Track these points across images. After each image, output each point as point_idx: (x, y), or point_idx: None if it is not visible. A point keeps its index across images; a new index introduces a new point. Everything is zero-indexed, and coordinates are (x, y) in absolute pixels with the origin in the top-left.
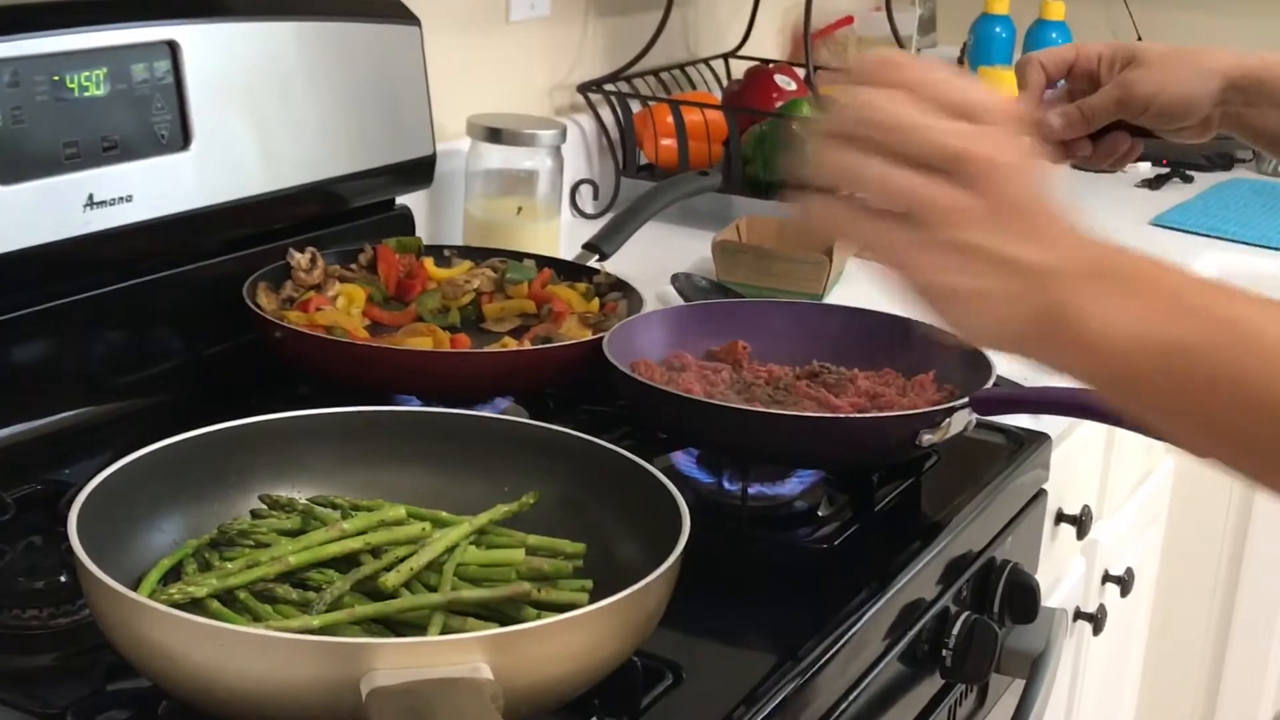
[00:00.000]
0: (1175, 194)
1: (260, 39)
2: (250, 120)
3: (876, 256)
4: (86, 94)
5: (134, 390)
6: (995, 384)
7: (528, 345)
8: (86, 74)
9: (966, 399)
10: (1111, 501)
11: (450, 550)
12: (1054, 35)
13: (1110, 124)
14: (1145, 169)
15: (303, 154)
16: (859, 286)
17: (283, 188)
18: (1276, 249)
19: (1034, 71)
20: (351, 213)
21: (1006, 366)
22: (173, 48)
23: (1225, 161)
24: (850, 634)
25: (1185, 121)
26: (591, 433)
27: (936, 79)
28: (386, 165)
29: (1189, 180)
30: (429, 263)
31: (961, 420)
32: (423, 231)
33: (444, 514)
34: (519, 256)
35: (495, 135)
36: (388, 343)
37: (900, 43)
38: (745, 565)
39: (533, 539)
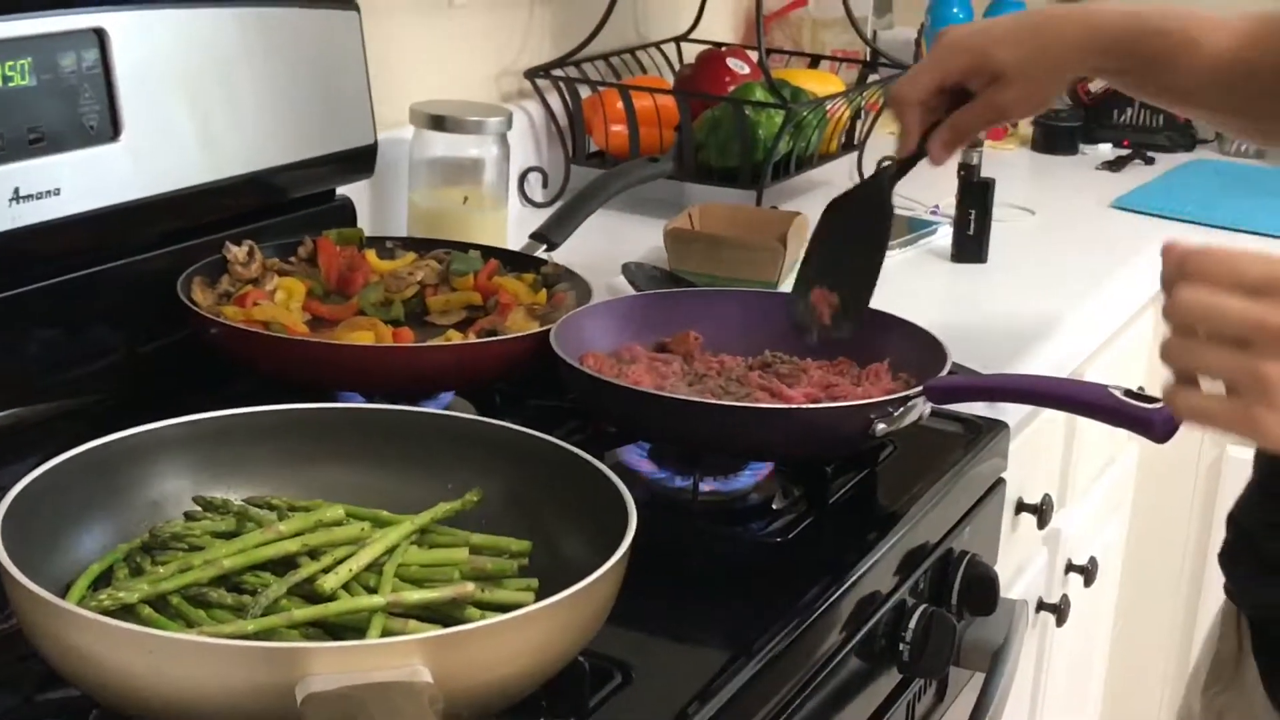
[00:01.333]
0: (1136, 176)
1: (192, 26)
2: (183, 110)
3: (1238, 430)
4: (11, 84)
5: (65, 390)
6: (951, 372)
7: (473, 339)
8: (11, 64)
9: (921, 387)
10: (1073, 490)
11: (391, 551)
12: None
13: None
14: (1105, 150)
15: (239, 144)
16: None
17: (218, 179)
18: (1240, 231)
19: (911, 114)
20: (290, 204)
21: (962, 353)
22: (101, 36)
23: (1188, 142)
24: (805, 628)
25: (1042, 109)
26: (539, 428)
27: (1236, 261)
28: (326, 155)
29: (1150, 162)
30: (371, 255)
31: (916, 409)
32: (364, 223)
33: (385, 513)
34: (464, 248)
35: (439, 123)
36: (328, 338)
37: (855, 24)
38: (697, 561)
39: (477, 538)
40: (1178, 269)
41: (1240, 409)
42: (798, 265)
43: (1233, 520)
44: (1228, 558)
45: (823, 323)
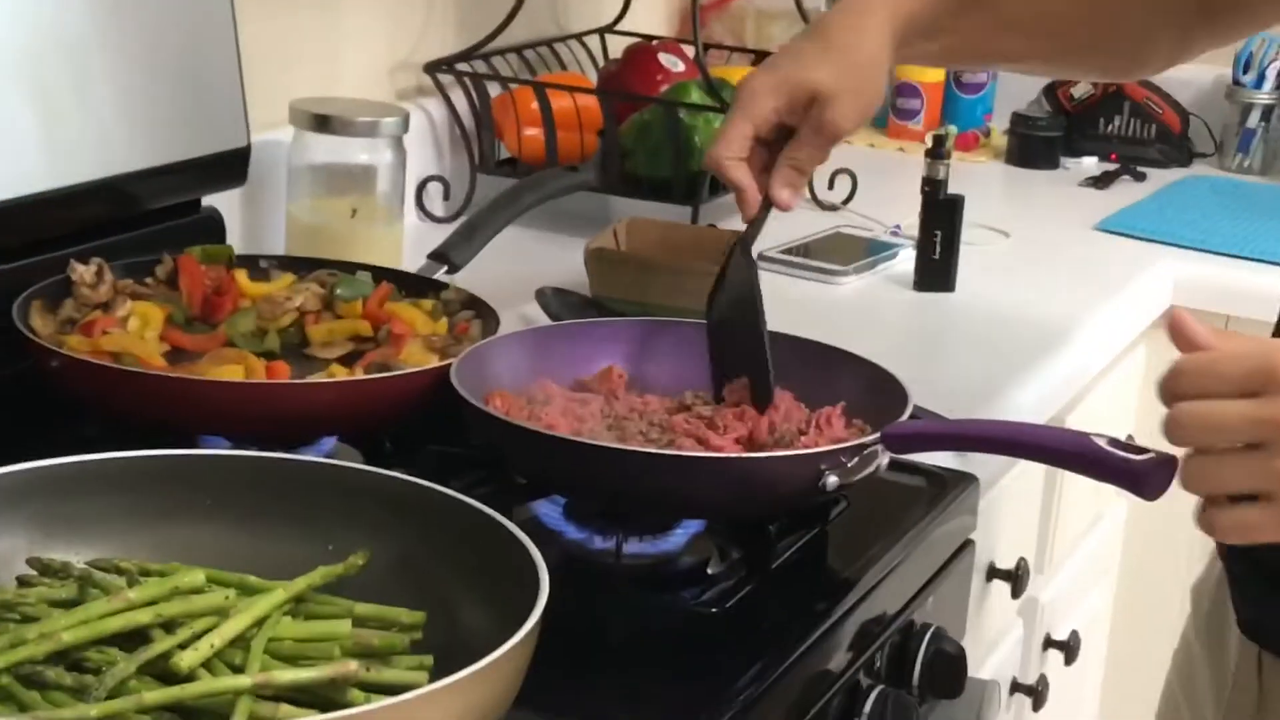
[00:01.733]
0: (1125, 194)
1: (35, 7)
2: (22, 104)
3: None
4: None
5: None
6: (913, 416)
7: (360, 375)
8: None
9: (878, 435)
10: (1053, 554)
11: (260, 623)
12: None
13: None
14: (1090, 165)
15: (88, 145)
16: None
17: (63, 185)
18: (1240, 257)
19: (738, 172)
20: (147, 216)
21: (925, 395)
22: None
23: (1182, 157)
24: (744, 712)
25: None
26: (437, 479)
27: (1215, 365)
28: (190, 159)
29: (1141, 178)
30: (242, 276)
31: (873, 460)
32: (235, 238)
33: (253, 579)
34: (352, 269)
35: (324, 123)
36: (190, 372)
37: (804, 16)
38: (621, 633)
39: (362, 608)
40: (1168, 393)
41: (1276, 512)
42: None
43: (1228, 551)
44: (1235, 590)
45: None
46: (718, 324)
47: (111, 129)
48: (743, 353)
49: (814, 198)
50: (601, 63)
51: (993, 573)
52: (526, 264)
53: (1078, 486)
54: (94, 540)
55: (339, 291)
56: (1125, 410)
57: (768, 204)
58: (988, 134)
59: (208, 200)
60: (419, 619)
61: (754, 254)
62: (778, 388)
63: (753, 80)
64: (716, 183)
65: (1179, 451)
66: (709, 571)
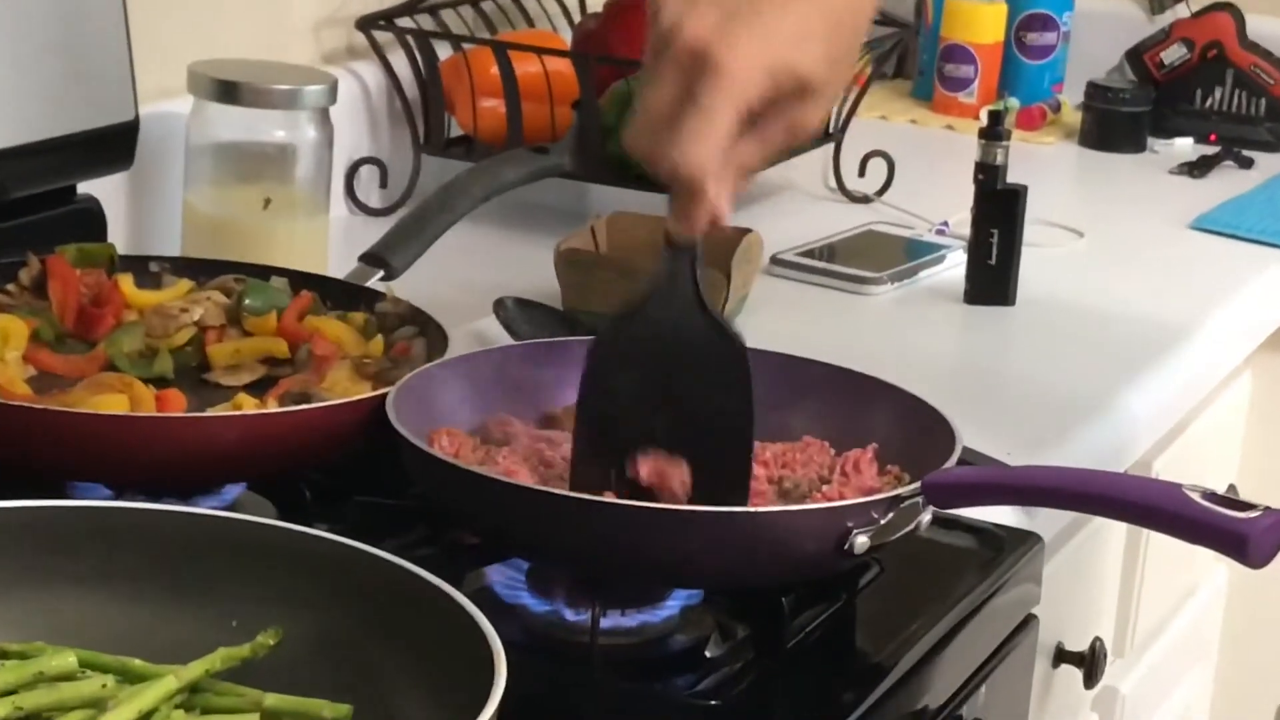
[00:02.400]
0: (1226, 184)
1: None
2: None
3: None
4: None
5: None
6: (961, 461)
7: (274, 407)
8: None
9: (919, 484)
10: (1136, 633)
11: (147, 717)
12: None
13: None
14: (1184, 148)
15: None
16: (771, 318)
17: None
18: None
19: (719, 183)
20: (9, 207)
21: (978, 435)
22: None
23: None
24: None
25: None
26: (368, 538)
27: None
28: (63, 136)
29: (1247, 164)
30: (126, 282)
31: (911, 515)
32: (118, 235)
33: (137, 663)
34: (264, 273)
35: (230, 92)
36: (60, 403)
37: None
38: None
39: (273, 699)
40: None
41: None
42: (745, 305)
43: None
44: None
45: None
46: (629, 372)
47: None
48: (689, 423)
49: (840, 186)
50: (577, 18)
51: (1061, 656)
52: (483, 269)
53: (1167, 550)
54: None
55: (248, 302)
56: (1226, 456)
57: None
58: (1057, 109)
59: (84, 187)
60: (345, 712)
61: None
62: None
63: (740, 53)
64: None
65: None
66: (707, 654)
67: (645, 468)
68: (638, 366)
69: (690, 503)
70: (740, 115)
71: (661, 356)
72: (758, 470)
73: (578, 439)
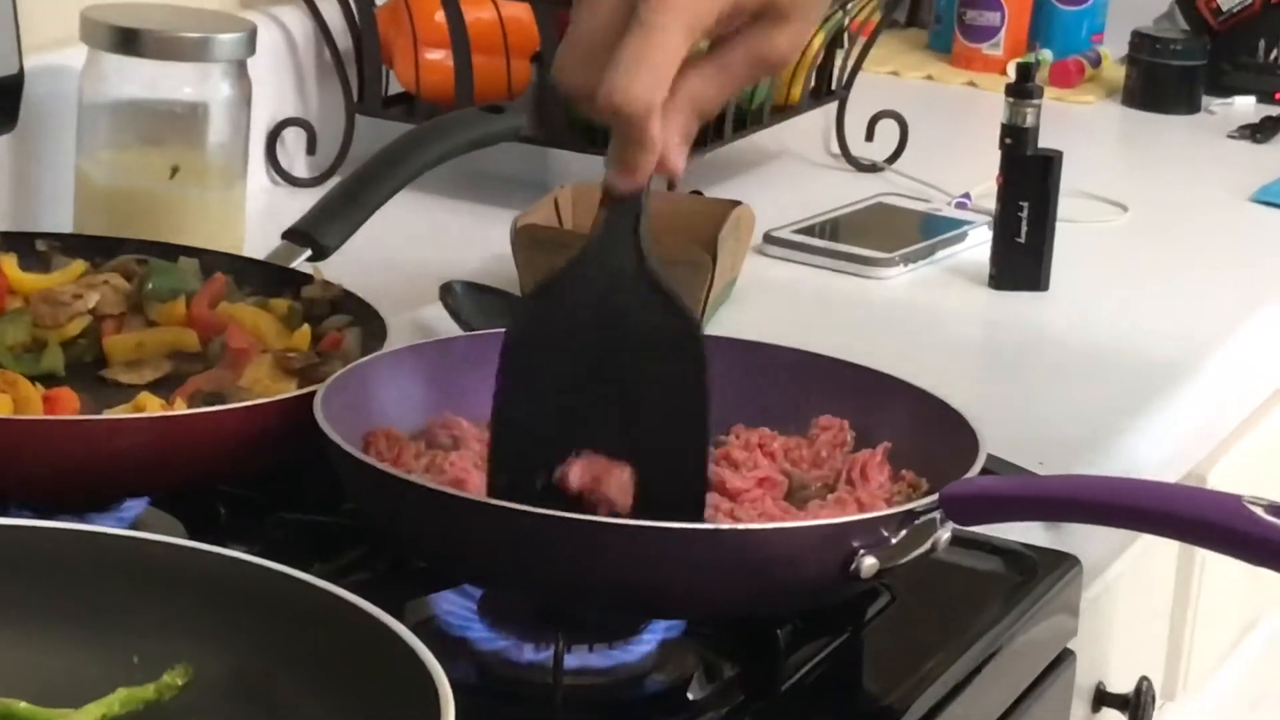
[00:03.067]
0: None
1: None
2: None
3: None
4: None
5: None
6: (985, 469)
7: (182, 408)
8: None
9: (937, 496)
10: (1190, 671)
11: None
12: None
13: None
14: (1244, 107)
15: None
16: (764, 305)
17: None
18: None
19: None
20: None
21: (1005, 440)
22: None
23: None
24: None
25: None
26: (293, 561)
27: None
28: None
29: None
30: (9, 264)
31: (927, 533)
32: None
33: (22, 706)
34: (171, 253)
35: (130, 42)
36: None
37: None
38: None
39: None
40: None
41: None
42: (733, 291)
43: None
44: None
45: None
46: (551, 358)
47: None
48: (630, 420)
49: (845, 152)
50: None
51: (1102, 699)
52: (427, 248)
53: (1226, 574)
54: None
55: (151, 287)
56: None
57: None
58: (1097, 62)
59: None
60: None
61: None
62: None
63: None
64: (705, 130)
65: None
66: (689, 697)
67: (576, 472)
68: (566, 351)
69: (636, 515)
70: (692, 37)
71: (596, 338)
72: (762, 461)
73: (493, 444)
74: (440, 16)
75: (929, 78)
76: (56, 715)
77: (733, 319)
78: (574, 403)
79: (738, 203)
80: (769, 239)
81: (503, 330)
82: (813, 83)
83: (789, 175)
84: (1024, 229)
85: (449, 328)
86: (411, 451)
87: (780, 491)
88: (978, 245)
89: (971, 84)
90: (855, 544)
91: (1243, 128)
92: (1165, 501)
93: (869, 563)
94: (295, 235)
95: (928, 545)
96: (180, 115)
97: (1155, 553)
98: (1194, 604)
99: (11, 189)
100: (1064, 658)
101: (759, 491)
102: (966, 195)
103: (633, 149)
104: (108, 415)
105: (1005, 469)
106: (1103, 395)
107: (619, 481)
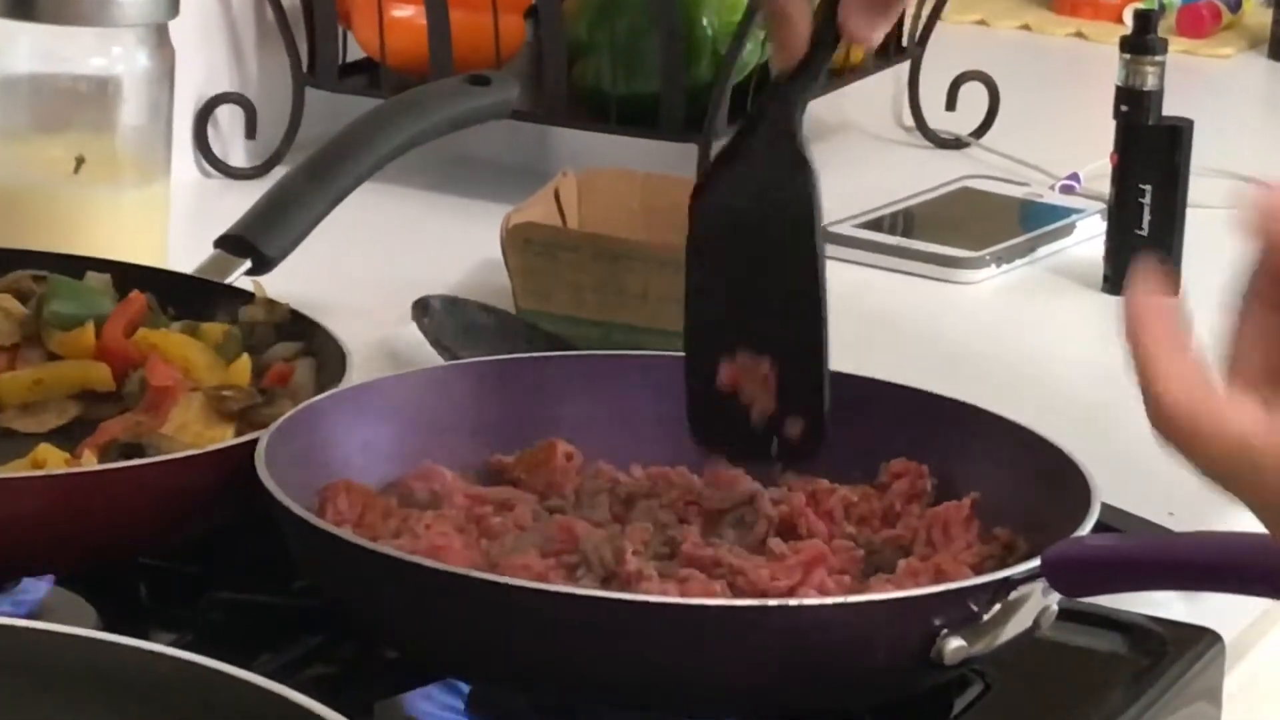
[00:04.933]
0: None
1: None
2: None
3: None
4: None
5: None
6: (1100, 526)
7: (93, 462)
8: None
9: (1037, 560)
10: None
11: None
12: None
13: None
14: None
15: None
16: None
17: None
18: None
19: (796, 31)
20: None
21: (1124, 488)
22: None
23: None
24: None
25: None
26: (232, 655)
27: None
28: None
29: None
30: None
31: (1030, 606)
32: None
33: None
34: (78, 267)
35: (22, 4)
36: None
37: None
38: None
39: None
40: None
41: None
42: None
43: None
44: None
45: (762, 420)
46: (715, 240)
47: None
48: (769, 312)
49: (920, 125)
50: None
51: None
52: (398, 255)
53: None
54: None
55: (52, 309)
56: None
57: (828, 42)
58: (1237, 6)
59: None
60: None
61: (804, 134)
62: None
63: None
64: (739, 100)
65: None
66: None
67: (725, 372)
68: (722, 234)
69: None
70: None
71: (741, 219)
72: (818, 526)
73: (687, 342)
74: None
75: (1025, 28)
76: None
77: None
78: (731, 293)
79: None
80: (826, 236)
81: (493, 359)
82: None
83: (850, 155)
84: (1146, 218)
85: (426, 355)
86: (379, 510)
87: (843, 564)
88: (1089, 239)
89: (1079, 34)
90: (937, 622)
91: None
92: None
93: (954, 645)
94: (231, 242)
95: (1028, 622)
96: (85, 93)
97: None
98: None
99: None
100: None
101: (792, 585)
102: (1074, 176)
103: (769, 20)
104: (2, 474)
105: (1126, 524)
106: None
107: (760, 374)
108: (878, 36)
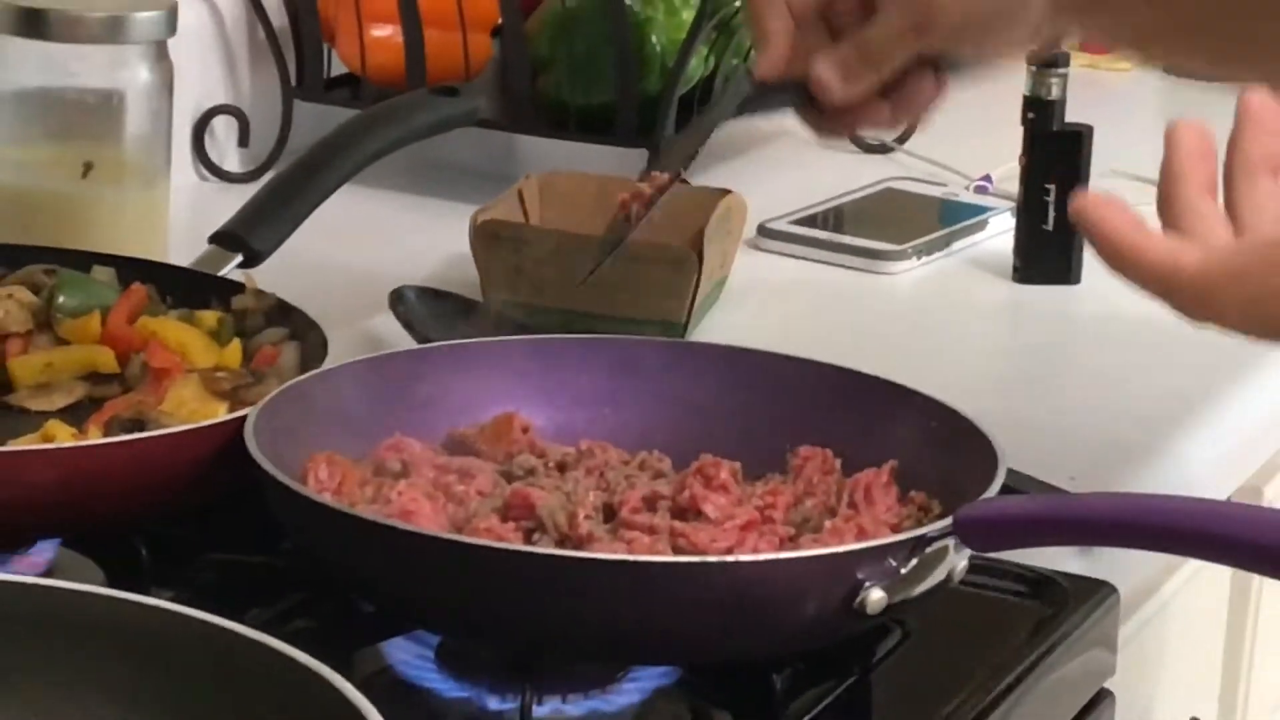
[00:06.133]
0: None
1: None
2: None
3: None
4: None
5: None
6: (1007, 488)
7: (97, 437)
8: None
9: (951, 520)
10: (1249, 711)
11: None
12: None
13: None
14: None
15: None
16: (758, 306)
17: None
18: None
19: (775, 15)
20: None
21: (1030, 455)
22: None
23: None
24: None
25: (1010, 34)
26: (225, 609)
27: None
28: None
29: None
30: None
31: (944, 562)
32: None
33: None
34: (84, 261)
35: (35, 23)
36: None
37: None
38: None
39: None
40: None
41: None
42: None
43: None
44: None
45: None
46: None
47: None
48: None
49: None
50: None
51: None
52: (375, 249)
53: None
54: None
55: (62, 300)
56: None
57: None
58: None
59: None
60: None
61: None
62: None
63: None
64: (686, 109)
65: None
66: None
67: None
68: None
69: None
70: None
71: None
72: (736, 513)
73: None
74: None
75: None
76: None
77: (723, 323)
78: None
79: (727, 191)
80: (763, 231)
81: (462, 342)
82: None
83: (785, 158)
84: (1051, 215)
85: (401, 339)
86: (356, 479)
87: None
88: (1000, 234)
89: None
90: (860, 576)
91: None
92: (1215, 522)
93: (876, 596)
94: (224, 238)
95: (942, 575)
96: (92, 105)
97: (1204, 579)
98: (1250, 636)
99: None
100: (1101, 698)
101: (724, 544)
102: (987, 178)
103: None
104: (13, 447)
105: (1030, 487)
106: (1142, 401)
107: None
108: (844, 96)
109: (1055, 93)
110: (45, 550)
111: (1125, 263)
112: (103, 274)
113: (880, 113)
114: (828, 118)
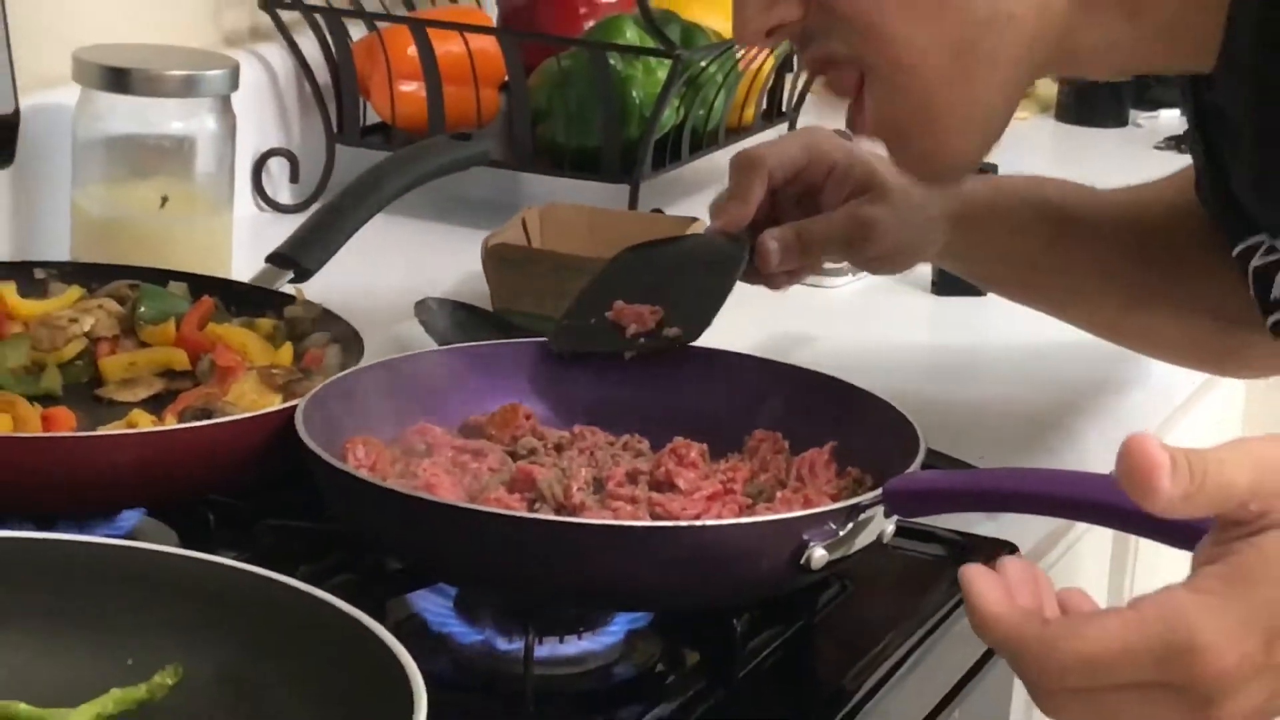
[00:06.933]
0: None
1: None
2: None
3: None
4: None
5: None
6: (926, 464)
7: (173, 424)
8: None
9: (880, 491)
10: None
11: None
12: None
13: None
14: (1170, 120)
15: None
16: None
17: None
18: None
19: (757, 179)
20: None
21: (946, 436)
22: None
23: None
24: None
25: (920, 258)
26: (278, 566)
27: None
28: None
29: None
30: (9, 291)
31: (875, 525)
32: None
33: (23, 708)
34: (162, 278)
35: (121, 80)
36: None
37: None
38: None
39: None
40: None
41: None
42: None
43: None
44: None
45: (640, 331)
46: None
47: None
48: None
49: None
50: None
51: None
52: (403, 268)
53: (1158, 558)
54: None
55: (143, 310)
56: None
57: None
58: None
59: None
60: None
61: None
62: (759, 431)
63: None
64: (662, 151)
65: None
66: (654, 684)
67: (615, 308)
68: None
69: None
70: (811, 156)
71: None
72: (703, 486)
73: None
74: (413, 50)
75: None
76: (55, 715)
77: None
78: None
79: (695, 219)
80: None
81: (476, 344)
82: (764, 105)
83: None
84: None
85: (424, 342)
86: (387, 457)
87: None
88: None
89: None
90: (805, 537)
91: (1168, 139)
92: (1099, 492)
93: (819, 554)
94: (279, 259)
95: (873, 536)
96: (169, 149)
97: (1091, 540)
98: (1129, 586)
99: (10, 221)
100: None
101: (692, 510)
102: None
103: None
104: (103, 432)
105: (946, 464)
106: (1041, 394)
107: (646, 311)
108: (776, 265)
109: None
110: (130, 518)
111: (979, 626)
112: (177, 288)
113: (805, 275)
114: (761, 275)
